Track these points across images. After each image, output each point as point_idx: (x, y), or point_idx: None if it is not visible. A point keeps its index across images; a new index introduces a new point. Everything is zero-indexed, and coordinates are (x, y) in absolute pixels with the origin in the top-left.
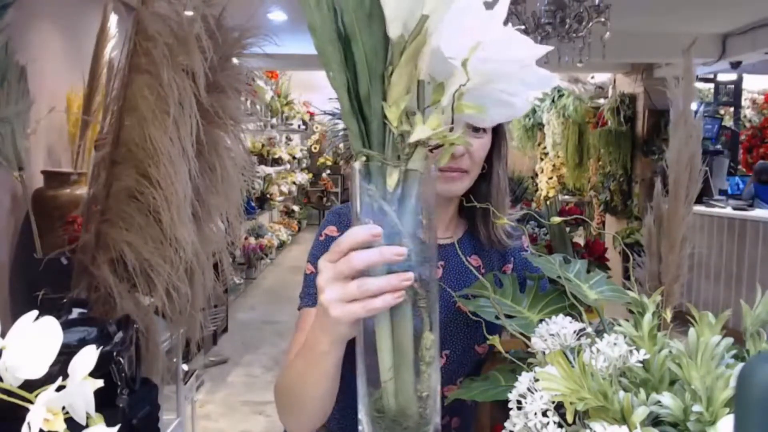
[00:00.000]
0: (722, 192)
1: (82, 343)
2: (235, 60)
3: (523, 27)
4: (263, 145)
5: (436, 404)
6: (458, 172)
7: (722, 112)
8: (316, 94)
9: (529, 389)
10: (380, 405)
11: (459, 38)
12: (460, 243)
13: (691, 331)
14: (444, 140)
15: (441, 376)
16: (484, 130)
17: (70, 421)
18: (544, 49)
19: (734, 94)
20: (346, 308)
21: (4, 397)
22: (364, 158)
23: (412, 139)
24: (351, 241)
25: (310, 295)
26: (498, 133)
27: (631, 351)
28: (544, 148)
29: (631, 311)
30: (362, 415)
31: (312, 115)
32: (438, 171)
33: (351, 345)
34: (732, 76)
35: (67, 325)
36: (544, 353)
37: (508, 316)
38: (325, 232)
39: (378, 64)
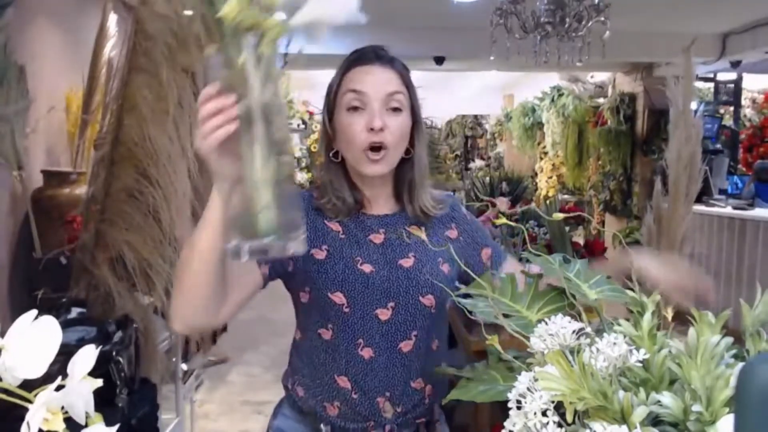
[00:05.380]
0: (722, 191)
1: (82, 342)
2: None
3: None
4: None
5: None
6: (380, 152)
7: (722, 111)
8: (316, 93)
9: (528, 389)
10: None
11: None
12: (399, 215)
13: (691, 330)
14: (256, 22)
15: (391, 329)
16: (401, 110)
17: (69, 421)
18: None
19: (734, 94)
20: (205, 142)
21: (4, 396)
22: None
23: (221, 14)
24: (201, 100)
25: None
26: (416, 117)
27: (630, 351)
28: (544, 147)
29: (630, 311)
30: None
31: (311, 114)
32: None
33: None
34: (732, 76)
35: (66, 325)
36: (543, 353)
37: (507, 316)
38: None
39: None
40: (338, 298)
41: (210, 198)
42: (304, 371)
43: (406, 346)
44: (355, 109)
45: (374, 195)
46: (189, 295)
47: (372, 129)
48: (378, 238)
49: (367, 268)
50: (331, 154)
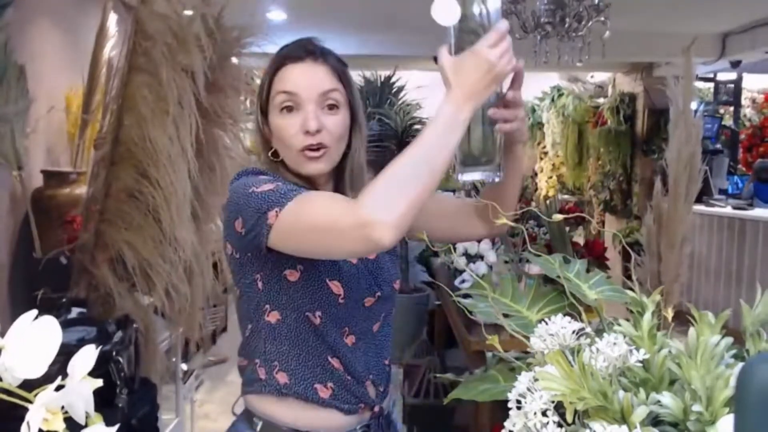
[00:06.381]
0: (722, 191)
1: (82, 342)
2: (234, 59)
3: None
4: None
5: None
6: (320, 150)
7: (722, 111)
8: None
9: (528, 389)
10: (466, 149)
11: None
12: None
13: (691, 330)
14: None
15: (370, 313)
16: (338, 107)
17: (69, 421)
18: None
19: (734, 94)
20: (508, 67)
21: (4, 396)
22: None
23: None
24: (502, 34)
25: (286, 194)
26: (355, 113)
27: (630, 351)
28: (544, 147)
29: (630, 311)
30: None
31: None
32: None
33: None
34: (732, 76)
35: (66, 325)
36: (543, 353)
37: (507, 316)
38: (258, 172)
39: None
40: (336, 287)
41: (458, 119)
42: (287, 355)
43: (376, 326)
44: (288, 109)
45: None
46: (425, 194)
47: (308, 132)
48: None
49: (352, 259)
50: (270, 154)
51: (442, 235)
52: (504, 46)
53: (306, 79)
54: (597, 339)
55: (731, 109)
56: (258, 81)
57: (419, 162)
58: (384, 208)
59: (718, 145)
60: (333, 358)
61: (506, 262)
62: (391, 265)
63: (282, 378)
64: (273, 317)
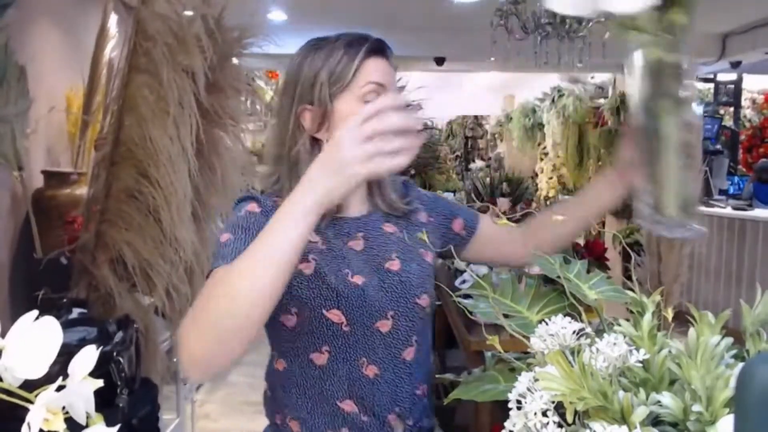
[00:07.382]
0: (722, 192)
1: (82, 343)
2: (234, 60)
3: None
4: (263, 145)
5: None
6: None
7: (722, 111)
8: None
9: (528, 389)
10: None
11: None
12: (374, 214)
13: (691, 331)
14: None
15: (393, 339)
16: None
17: (70, 421)
18: None
19: (734, 94)
20: (366, 165)
21: (4, 397)
22: None
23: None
24: (380, 107)
25: (225, 257)
26: None
27: (630, 351)
28: (544, 148)
29: (630, 311)
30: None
31: None
32: None
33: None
34: (732, 76)
35: (67, 325)
36: (543, 353)
37: (507, 316)
38: (247, 209)
39: None
40: (335, 316)
41: (294, 219)
42: (296, 404)
43: (408, 354)
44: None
45: (352, 194)
46: (249, 323)
47: None
48: (358, 244)
49: (358, 279)
50: (325, 140)
51: (481, 259)
52: (372, 125)
53: (390, 75)
54: (597, 339)
55: (731, 109)
56: (259, 82)
57: (238, 294)
58: (190, 341)
59: (718, 146)
60: (344, 402)
61: None
62: (417, 278)
63: (294, 426)
64: (280, 365)
